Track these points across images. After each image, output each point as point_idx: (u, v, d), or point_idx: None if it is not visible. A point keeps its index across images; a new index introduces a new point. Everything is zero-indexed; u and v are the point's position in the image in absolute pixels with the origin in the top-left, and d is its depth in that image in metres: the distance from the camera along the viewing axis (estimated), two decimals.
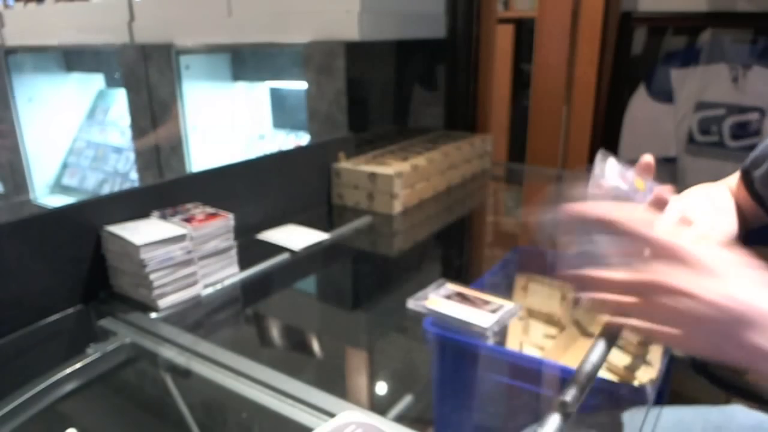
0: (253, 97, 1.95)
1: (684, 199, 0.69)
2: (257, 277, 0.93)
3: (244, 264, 0.92)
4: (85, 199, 0.82)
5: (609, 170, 0.55)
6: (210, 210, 0.90)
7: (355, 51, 1.29)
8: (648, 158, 0.58)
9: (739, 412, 0.69)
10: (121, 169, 2.33)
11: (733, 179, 0.77)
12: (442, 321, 0.73)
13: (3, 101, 2.31)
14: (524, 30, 2.07)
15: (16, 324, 0.75)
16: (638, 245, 0.47)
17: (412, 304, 0.77)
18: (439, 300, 0.76)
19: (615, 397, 0.60)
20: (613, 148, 1.76)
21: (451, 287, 0.81)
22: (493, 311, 0.73)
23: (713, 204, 0.71)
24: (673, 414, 0.70)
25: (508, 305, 0.75)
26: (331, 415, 0.56)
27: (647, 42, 1.71)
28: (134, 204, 0.87)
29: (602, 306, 0.49)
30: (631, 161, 0.57)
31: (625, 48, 1.71)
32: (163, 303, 0.79)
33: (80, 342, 0.71)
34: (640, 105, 1.71)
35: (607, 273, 0.47)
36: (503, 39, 2.01)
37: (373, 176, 1.20)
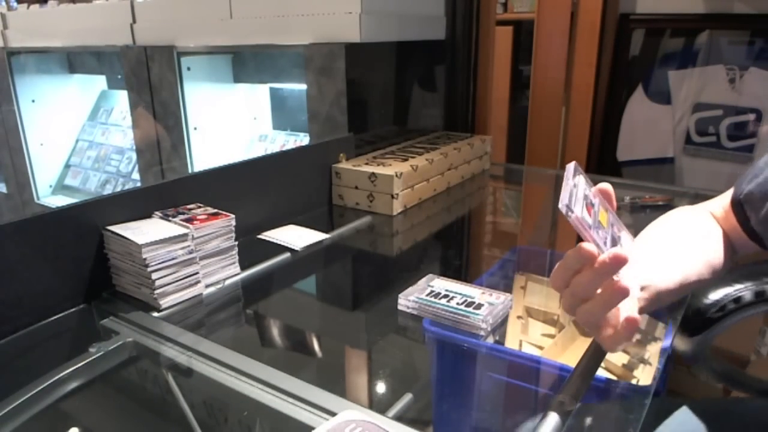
0: (254, 99, 1.96)
1: (637, 247, 0.64)
2: (258, 277, 0.93)
3: (245, 264, 0.92)
4: (87, 199, 0.82)
5: (579, 194, 0.49)
6: (211, 210, 0.90)
7: (355, 52, 1.30)
8: (606, 186, 0.54)
9: (737, 403, 0.69)
10: (123, 170, 2.33)
11: (718, 204, 0.73)
12: (433, 315, 0.73)
13: (6, 102, 2.31)
14: (523, 32, 2.07)
15: (19, 323, 0.75)
16: None
17: (402, 300, 0.78)
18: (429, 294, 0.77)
19: (613, 395, 0.61)
20: (611, 149, 1.77)
21: (441, 282, 0.82)
22: (488, 303, 0.74)
23: (667, 250, 0.66)
24: (671, 408, 0.70)
25: (501, 297, 0.76)
26: (332, 413, 0.56)
27: (645, 43, 1.71)
28: (136, 204, 0.87)
29: None
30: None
31: (623, 49, 1.72)
32: (164, 302, 0.80)
33: (82, 341, 0.72)
34: (638, 106, 1.71)
35: None
36: (502, 41, 2.02)
37: (373, 177, 1.21)
